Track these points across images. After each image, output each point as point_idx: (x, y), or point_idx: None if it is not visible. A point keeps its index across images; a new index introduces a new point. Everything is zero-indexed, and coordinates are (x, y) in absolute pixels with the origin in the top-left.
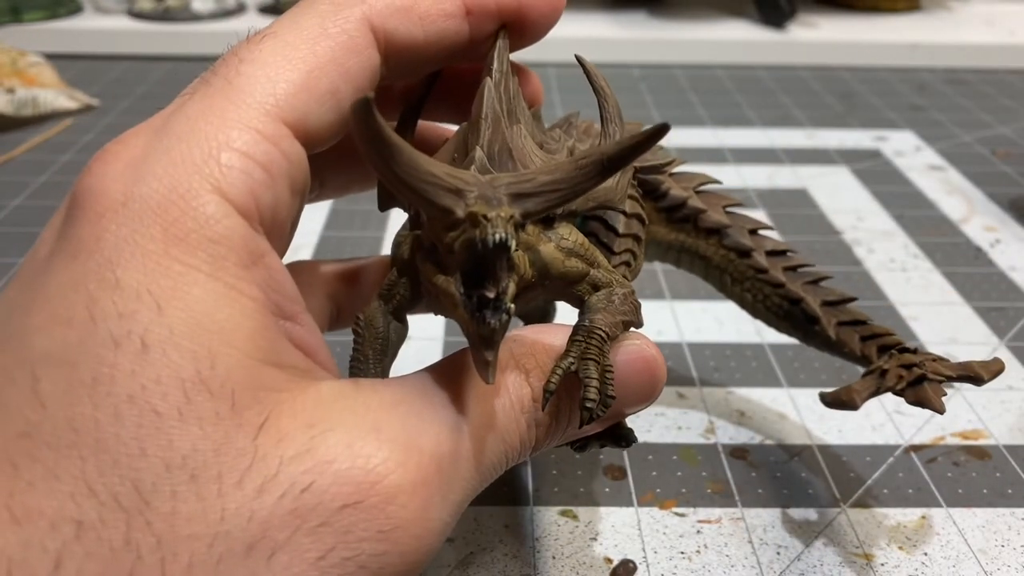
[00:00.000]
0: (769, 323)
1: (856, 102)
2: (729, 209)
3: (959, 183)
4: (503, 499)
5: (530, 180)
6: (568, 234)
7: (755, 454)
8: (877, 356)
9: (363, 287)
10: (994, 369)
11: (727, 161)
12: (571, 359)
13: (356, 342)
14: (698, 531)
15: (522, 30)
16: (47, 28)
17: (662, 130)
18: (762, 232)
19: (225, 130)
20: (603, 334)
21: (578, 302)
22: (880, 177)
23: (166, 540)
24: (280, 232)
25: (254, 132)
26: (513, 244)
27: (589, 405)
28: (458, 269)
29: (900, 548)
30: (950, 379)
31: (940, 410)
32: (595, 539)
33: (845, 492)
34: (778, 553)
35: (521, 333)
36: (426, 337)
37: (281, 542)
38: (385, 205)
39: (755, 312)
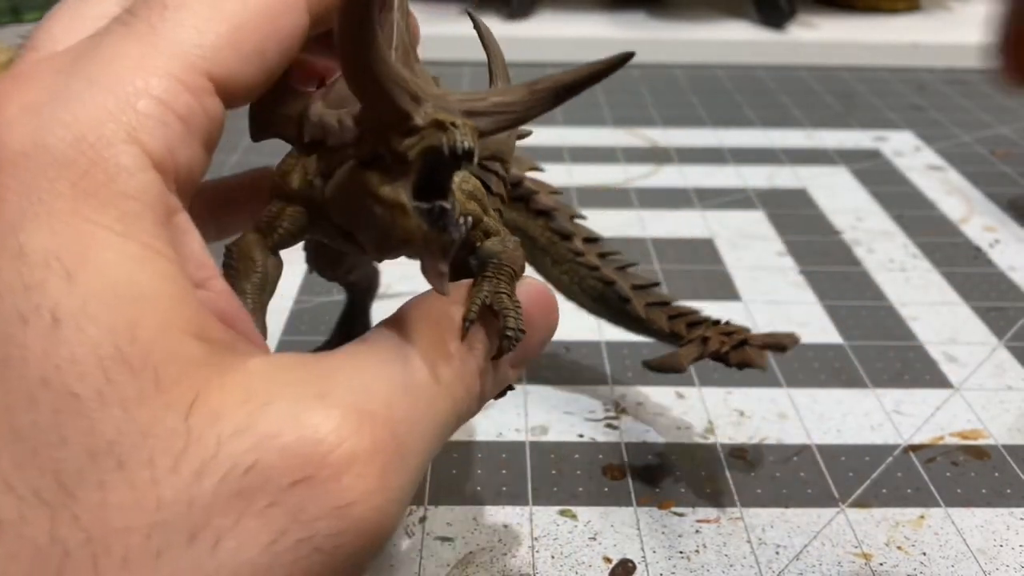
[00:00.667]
0: (583, 305)
1: (856, 102)
2: (552, 195)
3: (958, 183)
4: (502, 499)
5: (483, 99)
6: (468, 178)
7: (754, 454)
8: (686, 331)
9: (241, 212)
10: (794, 340)
11: (727, 161)
12: (485, 292)
13: (229, 276)
14: (697, 531)
15: None
16: None
17: (625, 59)
18: (579, 220)
19: (144, 76)
20: (511, 271)
21: (471, 248)
22: (879, 177)
23: (96, 534)
24: (189, 190)
25: (176, 81)
26: (477, 154)
27: (509, 333)
28: (409, 178)
29: (899, 548)
30: (762, 346)
31: (764, 367)
32: (594, 539)
33: (844, 492)
34: (777, 553)
35: (423, 297)
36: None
37: (226, 528)
38: (259, 135)
39: (570, 294)
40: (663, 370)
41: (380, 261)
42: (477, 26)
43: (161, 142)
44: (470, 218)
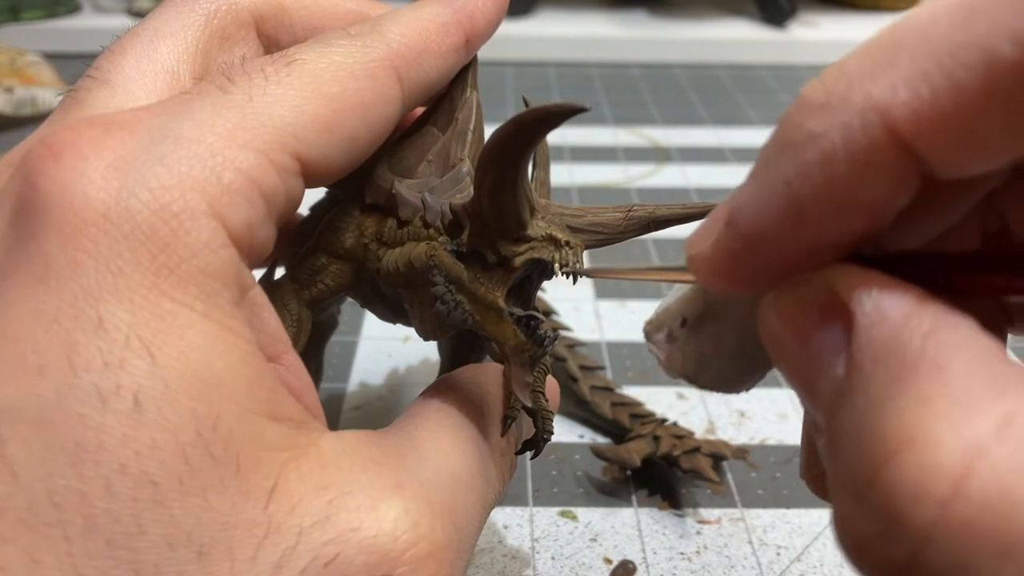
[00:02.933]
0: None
1: None
2: None
3: None
4: (502, 500)
5: (581, 216)
6: None
7: (755, 454)
8: (628, 421)
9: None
10: (738, 452)
11: (727, 161)
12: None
13: None
14: (698, 532)
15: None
16: (46, 27)
17: (709, 210)
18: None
19: (235, 148)
20: (544, 368)
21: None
22: None
23: None
24: (257, 266)
25: (265, 159)
26: (580, 275)
27: (546, 437)
28: (504, 283)
29: None
30: (708, 454)
31: (715, 479)
32: (595, 539)
33: None
34: (778, 554)
35: (478, 375)
36: None
37: None
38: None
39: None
40: (612, 461)
41: (425, 340)
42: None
43: (242, 219)
44: (559, 332)
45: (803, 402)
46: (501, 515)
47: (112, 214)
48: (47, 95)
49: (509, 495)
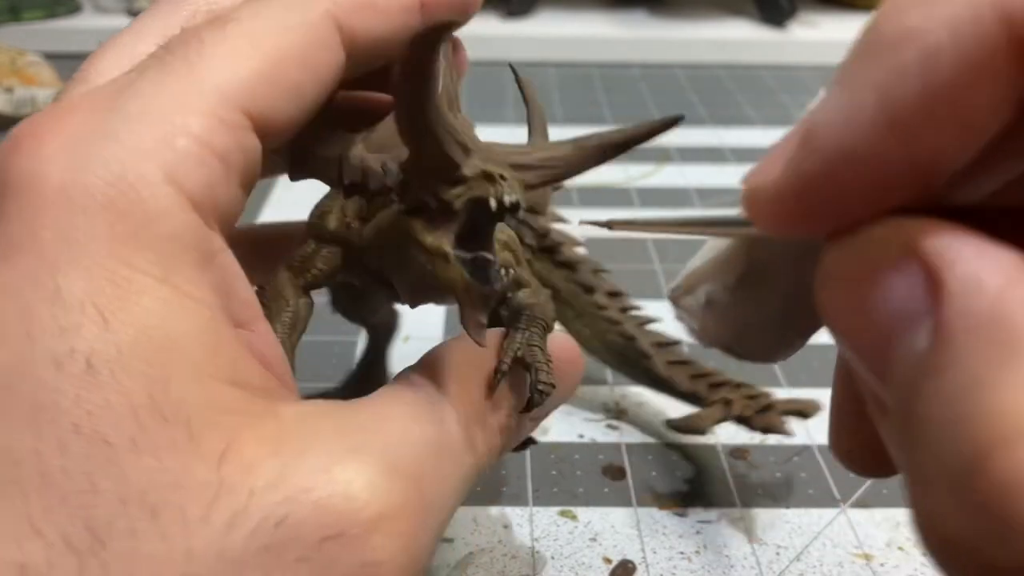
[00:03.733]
0: (602, 358)
1: None
2: (576, 248)
3: None
4: (502, 499)
5: (528, 154)
6: (503, 227)
7: (755, 454)
8: (707, 391)
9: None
10: (816, 407)
11: (727, 160)
12: (518, 344)
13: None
14: (697, 531)
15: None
16: (46, 27)
17: (674, 121)
18: (602, 274)
19: (183, 114)
20: (543, 324)
21: (501, 298)
22: None
23: None
24: (228, 230)
25: (214, 119)
26: (523, 207)
27: (542, 388)
28: (452, 228)
29: (900, 549)
30: (785, 412)
31: (789, 433)
32: (594, 539)
33: (845, 492)
34: (777, 553)
35: (455, 344)
36: (425, 336)
37: None
38: (297, 175)
39: (591, 347)
40: (687, 431)
41: (413, 306)
42: (519, 80)
43: (200, 182)
44: (510, 270)
45: (868, 379)
46: (500, 515)
47: (70, 189)
48: (47, 95)
49: (509, 495)
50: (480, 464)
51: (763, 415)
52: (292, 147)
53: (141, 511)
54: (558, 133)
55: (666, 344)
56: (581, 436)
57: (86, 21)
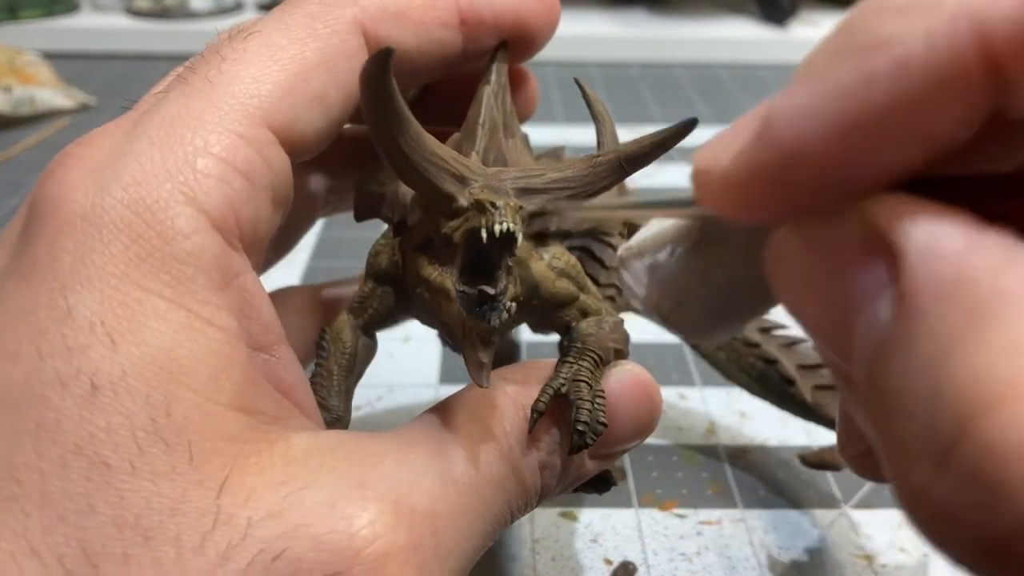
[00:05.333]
0: (741, 383)
1: None
2: None
3: None
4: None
5: (539, 176)
6: (560, 254)
7: (756, 455)
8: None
9: None
10: None
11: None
12: (561, 380)
13: (320, 356)
14: (699, 532)
15: (520, 44)
16: (44, 26)
17: (688, 127)
18: None
19: (203, 134)
20: (595, 356)
21: (564, 329)
22: None
23: None
24: (259, 249)
25: (235, 136)
26: (520, 237)
27: (581, 428)
28: (456, 262)
29: (901, 549)
30: None
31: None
32: (595, 540)
33: (846, 493)
34: (779, 555)
35: (509, 371)
36: (427, 338)
37: None
38: (362, 215)
39: (728, 372)
40: (821, 467)
41: (451, 346)
42: (585, 94)
43: (220, 201)
44: (513, 305)
45: (829, 357)
46: None
47: (89, 213)
48: (45, 94)
49: None
50: (513, 503)
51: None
52: (357, 186)
53: (135, 536)
54: (558, 133)
55: (813, 367)
56: None
57: (84, 20)
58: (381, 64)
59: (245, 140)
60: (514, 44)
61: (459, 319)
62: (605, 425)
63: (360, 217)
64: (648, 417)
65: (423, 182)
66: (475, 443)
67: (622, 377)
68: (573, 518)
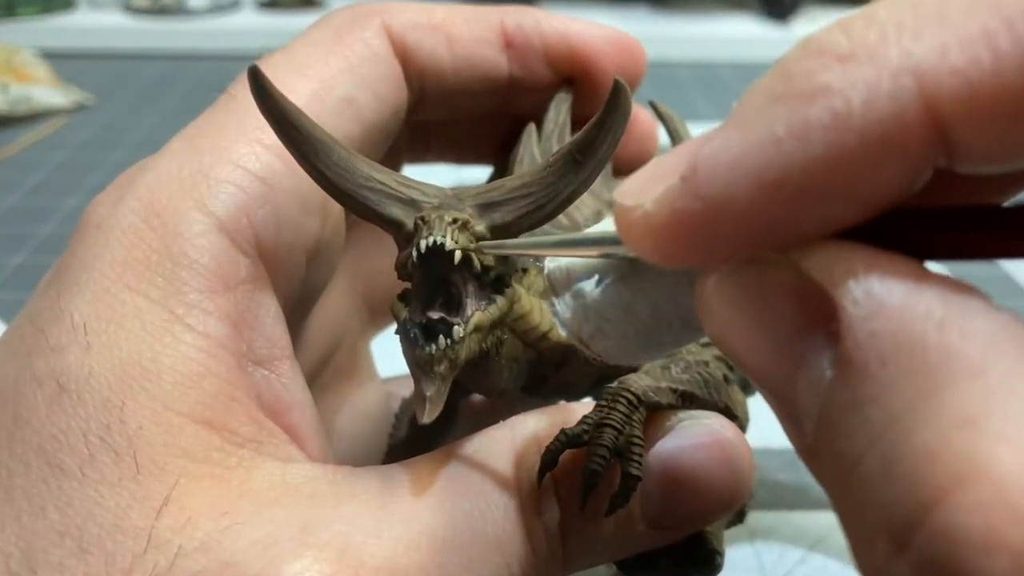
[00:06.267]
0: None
1: None
2: None
3: None
4: None
5: (498, 188)
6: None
7: (758, 457)
8: None
9: None
10: None
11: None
12: (584, 426)
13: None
14: None
15: (590, 82)
16: (41, 24)
17: (618, 94)
18: None
19: (222, 144)
20: (632, 397)
21: (596, 378)
22: None
23: None
24: (288, 257)
25: (254, 143)
26: (457, 250)
27: (593, 467)
28: (414, 295)
29: None
30: None
31: None
32: None
33: None
34: (781, 556)
35: (529, 416)
36: None
37: None
38: None
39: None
40: None
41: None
42: (661, 115)
43: (231, 204)
44: (459, 328)
45: (771, 404)
46: None
47: (104, 223)
48: (42, 93)
49: None
50: (517, 568)
51: None
52: None
53: (74, 547)
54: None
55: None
56: None
57: (81, 18)
58: (255, 82)
59: (263, 146)
60: (580, 82)
61: (404, 349)
62: (638, 478)
63: None
64: (730, 483)
65: (362, 209)
66: (473, 492)
67: (694, 432)
68: None
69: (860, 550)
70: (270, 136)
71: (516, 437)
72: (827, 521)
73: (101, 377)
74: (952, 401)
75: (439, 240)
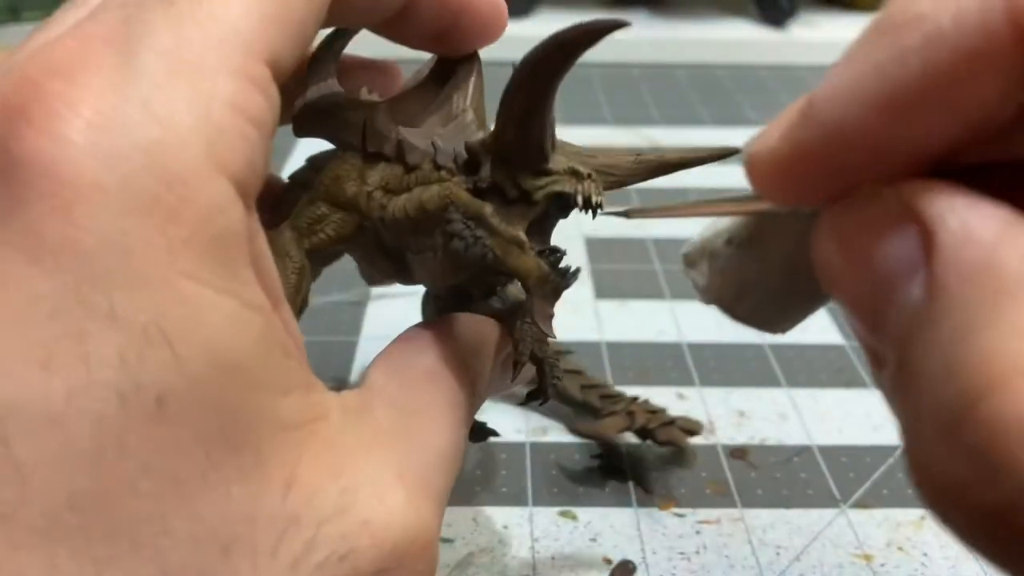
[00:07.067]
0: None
1: None
2: None
3: None
4: (502, 500)
5: (593, 158)
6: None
7: (755, 454)
8: (598, 402)
9: None
10: (700, 426)
11: (728, 161)
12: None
13: None
14: (697, 532)
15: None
16: None
17: (730, 153)
18: None
19: (211, 75)
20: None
21: (489, 289)
22: None
23: None
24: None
25: (244, 79)
26: (601, 208)
27: (556, 384)
28: (528, 218)
29: (900, 549)
30: (682, 429)
31: (688, 448)
32: (594, 540)
33: (845, 492)
34: (777, 554)
35: (467, 326)
36: None
37: None
38: (304, 133)
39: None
40: (591, 437)
41: (433, 289)
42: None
43: (242, 162)
44: (579, 268)
45: (865, 336)
46: (501, 515)
47: (106, 182)
48: None
49: (509, 495)
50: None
51: (666, 429)
52: (301, 104)
53: (213, 549)
54: (559, 132)
55: (561, 352)
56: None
57: None
58: (604, 31)
59: (253, 82)
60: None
61: (536, 271)
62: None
63: (303, 134)
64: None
65: (537, 138)
66: (465, 417)
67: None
68: (572, 517)
69: (912, 448)
70: (254, 68)
71: (469, 356)
72: (823, 518)
73: (202, 380)
74: (1015, 314)
75: (598, 199)
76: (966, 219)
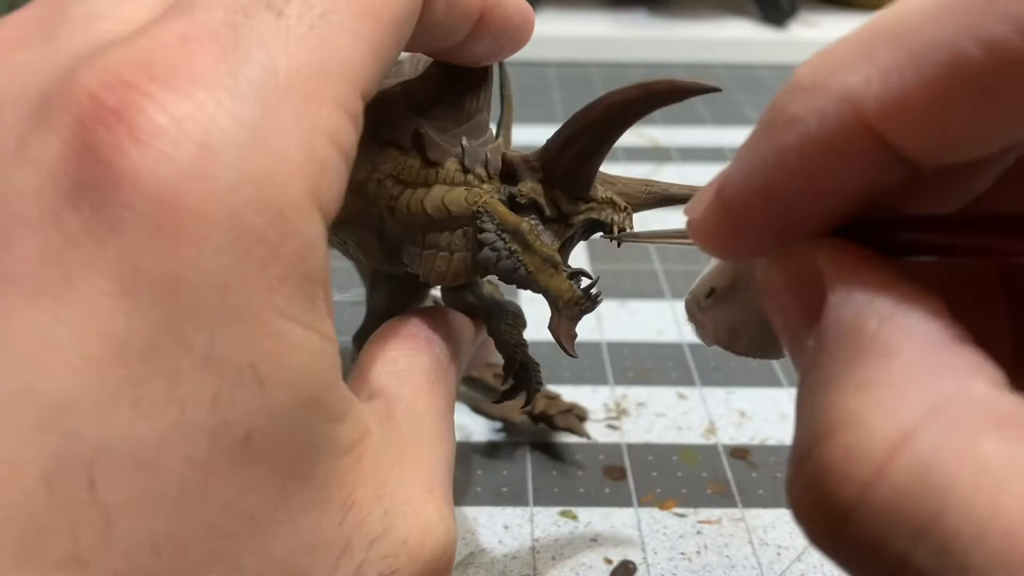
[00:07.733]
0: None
1: None
2: None
3: None
4: (503, 499)
5: (612, 184)
6: None
7: (756, 454)
8: (492, 379)
9: None
10: (585, 413)
11: (728, 160)
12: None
13: None
14: (698, 532)
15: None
16: None
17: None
18: None
19: (316, 104)
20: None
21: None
22: None
23: None
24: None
25: (344, 113)
26: (617, 235)
27: (539, 388)
28: (560, 239)
29: None
30: (578, 416)
31: (586, 434)
32: (595, 540)
33: None
34: (778, 554)
35: (443, 327)
36: None
37: None
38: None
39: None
40: (495, 418)
41: (433, 284)
42: (503, 76)
43: (335, 196)
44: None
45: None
46: (501, 515)
47: (212, 214)
48: None
49: (509, 495)
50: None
51: (564, 416)
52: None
53: None
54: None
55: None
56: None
57: None
58: (694, 92)
59: (350, 116)
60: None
61: (568, 293)
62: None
63: None
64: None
65: (594, 169)
66: (453, 420)
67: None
68: (573, 517)
69: (788, 467)
70: (351, 102)
71: (451, 356)
72: None
73: (283, 417)
74: (861, 371)
75: (630, 230)
76: (848, 281)
